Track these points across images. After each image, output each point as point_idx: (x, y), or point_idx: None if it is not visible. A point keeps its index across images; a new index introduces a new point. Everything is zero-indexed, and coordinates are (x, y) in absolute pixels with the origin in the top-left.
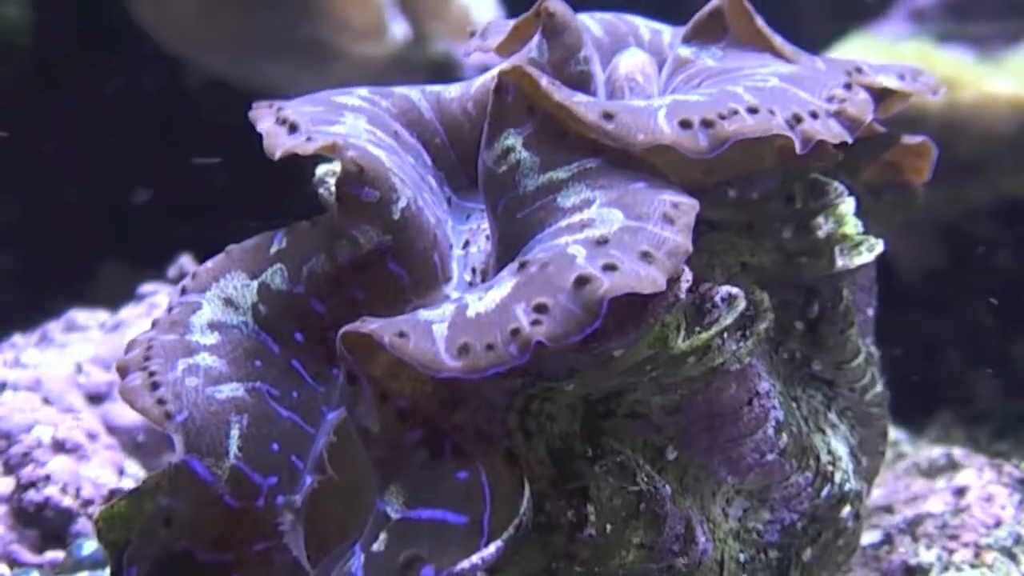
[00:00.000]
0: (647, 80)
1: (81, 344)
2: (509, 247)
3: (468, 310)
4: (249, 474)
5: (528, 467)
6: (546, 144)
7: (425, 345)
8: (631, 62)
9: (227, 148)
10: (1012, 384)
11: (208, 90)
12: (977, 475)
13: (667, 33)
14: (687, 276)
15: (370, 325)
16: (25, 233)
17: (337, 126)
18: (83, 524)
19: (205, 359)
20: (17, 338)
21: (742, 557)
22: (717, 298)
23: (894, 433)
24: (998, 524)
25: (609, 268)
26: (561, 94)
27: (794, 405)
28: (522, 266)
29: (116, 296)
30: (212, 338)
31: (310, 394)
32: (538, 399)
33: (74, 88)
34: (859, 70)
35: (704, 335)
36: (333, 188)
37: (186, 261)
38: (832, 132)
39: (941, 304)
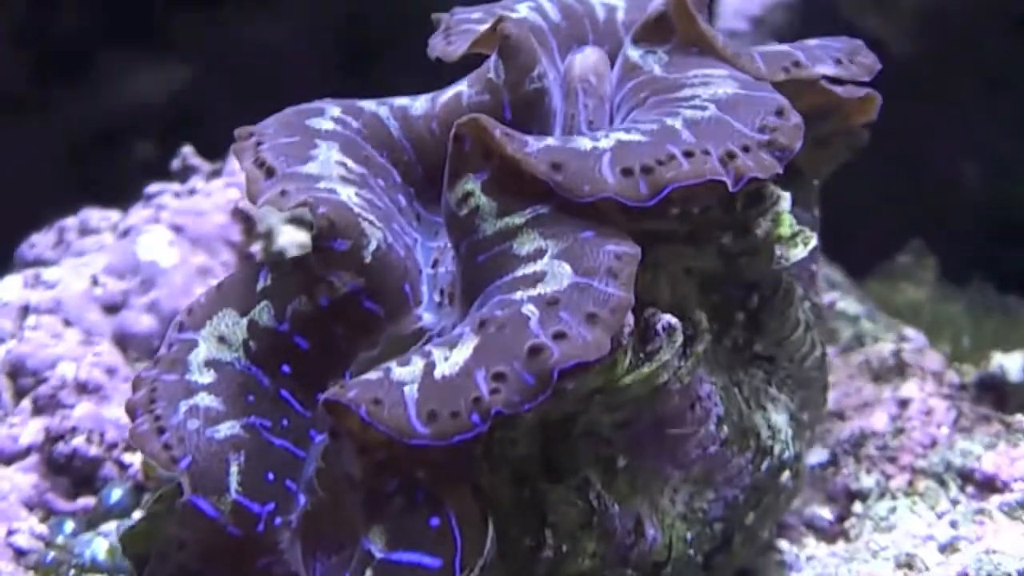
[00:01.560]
0: (600, 81)
1: (95, 253)
2: (472, 287)
3: (435, 370)
4: (248, 505)
5: (493, 492)
6: (502, 190)
7: (397, 411)
8: (585, 63)
9: None
10: (995, 169)
11: None
12: (919, 387)
13: (621, 10)
14: (629, 322)
15: (348, 394)
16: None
17: (310, 164)
18: (109, 468)
19: (204, 399)
20: (36, 237)
21: (688, 536)
22: (659, 326)
23: (856, 307)
24: (933, 444)
25: (559, 336)
26: (513, 146)
27: (736, 390)
28: (482, 324)
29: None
30: (209, 376)
31: (299, 420)
32: (500, 427)
33: None
34: (796, 64)
35: (646, 370)
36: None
37: (188, 152)
38: (763, 165)
39: (928, 91)
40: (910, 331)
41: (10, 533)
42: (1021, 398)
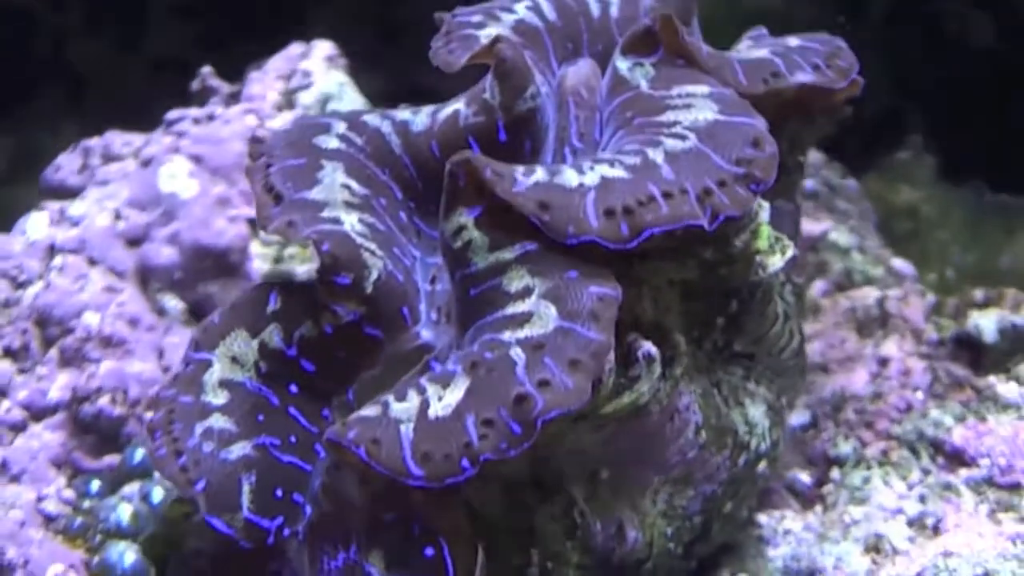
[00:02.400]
0: (591, 93)
1: (118, 183)
2: (465, 317)
3: (429, 410)
4: (259, 522)
5: (483, 509)
6: (493, 226)
7: (394, 452)
8: (577, 76)
9: None
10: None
11: None
12: (898, 345)
13: (614, 6)
14: (610, 359)
15: (349, 434)
16: None
17: (315, 188)
18: (132, 426)
19: (218, 420)
20: (62, 159)
21: (668, 531)
22: (639, 353)
23: (847, 238)
24: (908, 408)
25: (543, 384)
26: (502, 186)
27: (714, 391)
28: (473, 366)
29: None
30: (222, 397)
31: (306, 435)
32: None
33: None
34: (775, 75)
35: (626, 400)
36: None
37: (207, 73)
38: (738, 201)
39: None
40: (898, 262)
41: (40, 499)
42: (995, 357)
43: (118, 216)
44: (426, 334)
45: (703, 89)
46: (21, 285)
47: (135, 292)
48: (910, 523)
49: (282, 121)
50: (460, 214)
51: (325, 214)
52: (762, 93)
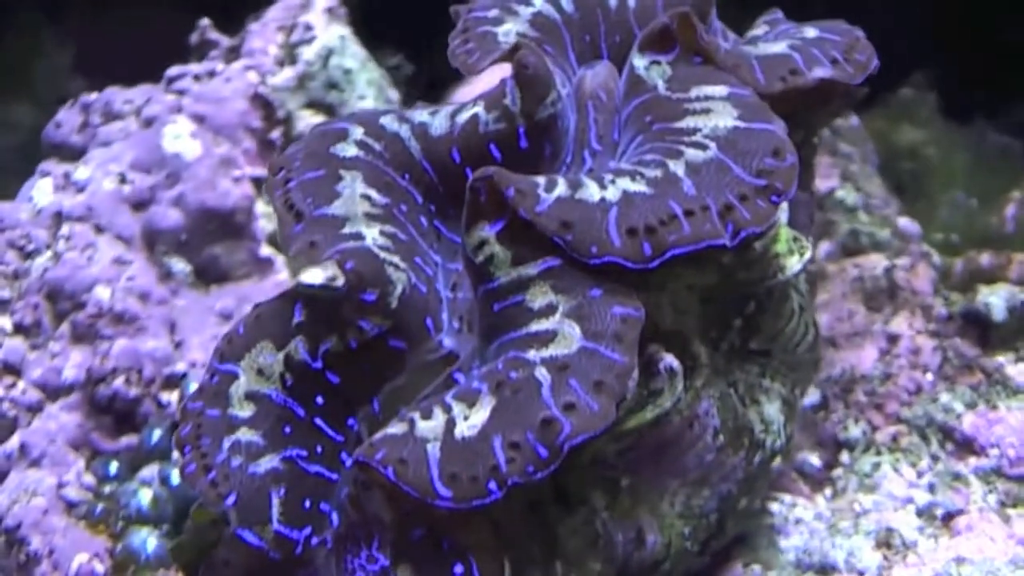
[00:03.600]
0: (609, 96)
1: (121, 144)
2: (488, 332)
3: (456, 429)
4: (288, 533)
5: (508, 523)
6: (516, 241)
7: (421, 472)
8: (595, 80)
9: None
10: None
11: None
12: (908, 322)
13: None
14: (633, 376)
15: (377, 455)
16: None
17: (336, 203)
18: (148, 405)
19: (245, 434)
20: (63, 115)
21: (686, 531)
22: (661, 365)
23: (853, 197)
24: (918, 390)
25: (569, 408)
26: (525, 205)
27: (731, 391)
28: (498, 386)
29: None
30: (249, 410)
31: (332, 444)
32: None
33: None
34: (793, 72)
35: (648, 415)
36: None
37: (206, 26)
38: (759, 216)
39: None
40: (904, 221)
41: (61, 485)
42: (1003, 335)
43: (123, 179)
44: (449, 342)
45: (721, 91)
46: (29, 255)
47: (144, 263)
48: (919, 513)
49: (284, 77)
50: (482, 228)
51: (347, 230)
52: (779, 92)
